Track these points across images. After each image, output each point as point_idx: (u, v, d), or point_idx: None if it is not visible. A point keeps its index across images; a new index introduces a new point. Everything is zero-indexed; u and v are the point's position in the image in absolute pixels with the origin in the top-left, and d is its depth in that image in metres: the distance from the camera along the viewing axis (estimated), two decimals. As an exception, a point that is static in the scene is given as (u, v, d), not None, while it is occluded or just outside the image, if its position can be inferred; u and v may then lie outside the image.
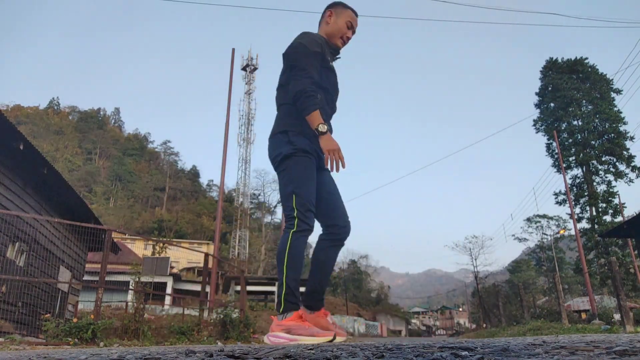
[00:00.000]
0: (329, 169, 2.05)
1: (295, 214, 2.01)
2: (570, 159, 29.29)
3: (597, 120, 29.11)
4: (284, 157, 2.08)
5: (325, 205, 2.19)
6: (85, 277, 12.09)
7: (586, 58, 31.33)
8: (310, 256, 2.24)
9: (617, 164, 28.19)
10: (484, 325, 26.78)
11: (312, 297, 2.18)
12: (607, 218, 26.98)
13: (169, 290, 23.76)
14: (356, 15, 2.36)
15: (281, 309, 1.99)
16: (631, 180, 27.70)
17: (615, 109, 28.89)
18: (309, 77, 2.05)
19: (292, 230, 2.01)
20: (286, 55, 2.19)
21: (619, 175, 27.80)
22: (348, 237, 2.23)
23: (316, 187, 2.14)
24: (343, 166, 2.02)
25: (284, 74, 2.22)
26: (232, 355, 1.22)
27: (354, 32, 2.35)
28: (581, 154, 28.76)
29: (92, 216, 10.45)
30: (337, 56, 2.34)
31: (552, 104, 31.08)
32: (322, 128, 2.00)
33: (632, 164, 27.73)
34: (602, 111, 28.68)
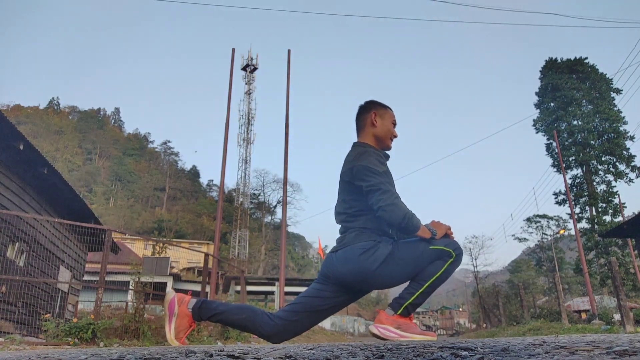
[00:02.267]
0: None
1: (448, 250, 2.03)
2: (570, 158, 29.30)
3: (597, 120, 29.11)
4: (386, 256, 2.02)
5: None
6: (85, 277, 12.10)
7: (586, 58, 31.36)
8: None
9: (617, 163, 28.20)
10: (484, 325, 26.79)
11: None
12: (607, 218, 26.98)
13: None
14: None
15: (399, 311, 2.01)
16: (631, 180, 27.73)
17: (615, 108, 28.90)
18: (398, 198, 2.03)
19: (450, 260, 2.03)
20: (352, 180, 2.12)
21: (618, 175, 27.81)
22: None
23: None
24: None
25: (353, 194, 2.13)
26: (232, 355, 1.22)
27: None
28: (581, 154, 28.77)
29: (92, 216, 10.45)
30: (388, 158, 2.32)
31: (552, 104, 31.09)
32: (435, 231, 2.06)
33: (632, 164, 27.74)
34: (602, 111, 28.69)
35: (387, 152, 2.31)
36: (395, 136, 2.32)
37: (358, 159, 2.11)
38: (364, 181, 2.04)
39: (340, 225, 2.21)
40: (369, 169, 2.04)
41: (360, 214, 2.11)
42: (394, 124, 2.31)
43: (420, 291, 2.00)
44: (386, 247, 2.02)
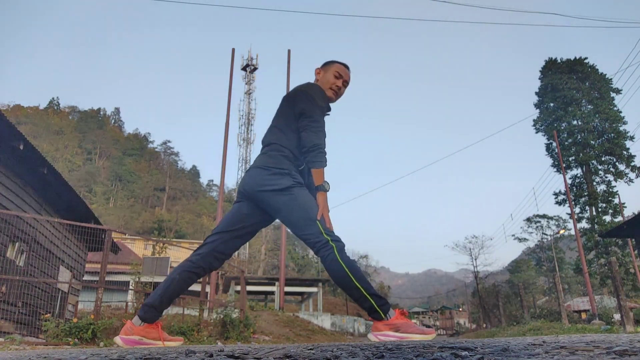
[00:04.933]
0: None
1: (327, 238, 2.07)
2: (570, 158, 29.30)
3: (596, 120, 29.12)
4: (288, 187, 2.13)
5: (232, 241, 2.26)
6: (85, 277, 12.10)
7: (586, 58, 31.36)
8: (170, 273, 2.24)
9: (617, 163, 28.20)
10: (484, 325, 26.79)
11: (150, 310, 2.14)
12: (607, 218, 26.99)
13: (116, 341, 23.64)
14: (346, 67, 2.46)
15: (382, 315, 2.04)
16: (631, 180, 27.73)
17: (615, 108, 28.90)
18: (323, 133, 2.18)
19: (336, 252, 2.05)
20: (294, 102, 2.25)
21: (618, 175, 27.82)
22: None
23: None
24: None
25: (285, 118, 2.27)
26: (232, 355, 1.22)
27: (345, 83, 2.44)
28: (581, 154, 28.77)
29: (92, 216, 10.45)
30: (328, 112, 2.40)
31: (551, 104, 31.09)
32: (327, 187, 2.14)
33: (632, 164, 27.74)
34: (601, 111, 28.69)
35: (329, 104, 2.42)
36: (337, 86, 2.41)
37: (306, 87, 2.30)
38: (302, 103, 2.20)
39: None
40: (311, 97, 2.21)
41: (281, 134, 2.24)
42: (336, 76, 2.41)
43: (364, 293, 2.03)
44: (290, 180, 2.13)
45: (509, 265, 54.88)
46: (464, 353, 1.09)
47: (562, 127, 30.11)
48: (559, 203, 29.72)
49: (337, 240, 2.08)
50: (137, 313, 2.15)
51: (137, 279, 7.45)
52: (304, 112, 2.18)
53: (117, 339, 2.08)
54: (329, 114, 2.40)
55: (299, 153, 2.21)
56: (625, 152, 27.91)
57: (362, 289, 2.02)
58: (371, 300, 2.02)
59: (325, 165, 2.15)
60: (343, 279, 2.03)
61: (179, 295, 2.31)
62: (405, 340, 1.95)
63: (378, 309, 2.02)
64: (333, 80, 2.39)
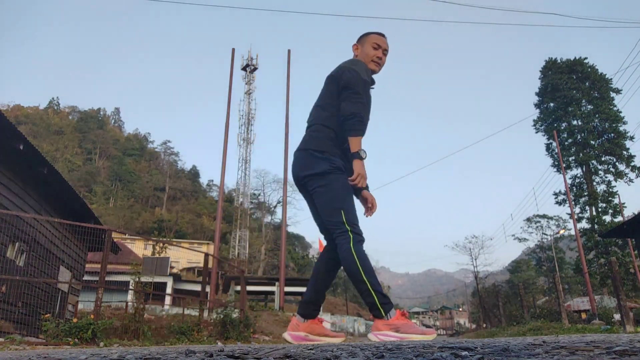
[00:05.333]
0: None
1: (348, 228, 2.10)
2: (570, 158, 29.29)
3: (596, 120, 29.11)
4: (324, 172, 2.15)
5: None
6: (85, 277, 12.09)
7: (585, 58, 31.35)
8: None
9: (617, 163, 28.20)
10: (484, 325, 26.77)
11: (308, 307, 2.23)
12: (607, 218, 26.98)
13: (169, 290, 23.77)
14: (382, 35, 2.46)
15: (382, 313, 2.05)
16: (631, 180, 27.72)
17: (615, 108, 28.89)
18: (362, 103, 2.18)
19: (351, 243, 2.08)
20: (338, 78, 2.26)
21: (618, 175, 27.81)
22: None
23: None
24: (363, 185, 2.19)
25: (330, 96, 2.29)
26: (232, 355, 1.22)
27: (385, 52, 2.44)
28: (581, 154, 28.76)
29: (92, 216, 10.45)
30: (373, 86, 2.41)
31: (551, 104, 31.09)
32: (363, 154, 2.15)
33: (632, 164, 27.74)
34: (601, 111, 28.69)
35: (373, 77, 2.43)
36: (379, 57, 2.41)
37: (352, 63, 2.30)
38: (346, 77, 2.21)
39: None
40: (354, 71, 2.22)
41: (324, 112, 2.27)
42: (375, 47, 2.41)
43: (369, 288, 2.04)
44: (327, 165, 2.15)
45: (509, 265, 54.90)
46: (464, 353, 1.09)
47: (562, 127, 30.11)
48: (559, 203, 29.73)
49: (358, 233, 2.11)
50: (297, 310, 2.21)
51: (137, 279, 7.44)
52: (347, 85, 2.19)
53: (286, 335, 2.13)
54: (373, 88, 2.41)
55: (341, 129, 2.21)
56: (625, 152, 27.90)
57: (368, 283, 2.03)
58: (375, 296, 2.03)
59: (362, 134, 2.16)
60: (353, 270, 2.05)
61: (329, 285, 2.34)
62: (405, 340, 1.95)
63: (380, 307, 2.03)
64: (373, 53, 2.39)
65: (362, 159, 2.14)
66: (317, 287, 2.23)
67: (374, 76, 2.42)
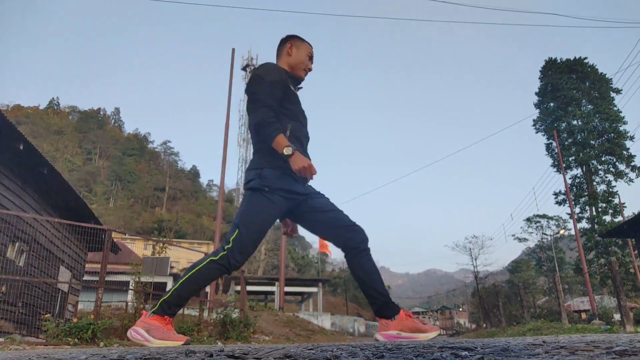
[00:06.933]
0: (307, 185, 2.16)
1: (226, 247, 2.01)
2: (570, 158, 29.30)
3: (596, 120, 29.12)
4: (249, 188, 2.09)
5: (330, 227, 2.19)
6: (85, 277, 12.09)
7: (585, 58, 31.36)
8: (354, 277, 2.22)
9: (617, 163, 28.20)
10: (484, 325, 26.77)
11: (385, 307, 2.12)
12: (607, 218, 26.98)
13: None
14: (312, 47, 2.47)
15: (155, 309, 2.03)
16: (631, 180, 27.72)
17: (615, 108, 28.91)
18: (265, 106, 2.03)
19: (211, 258, 2.01)
20: (246, 91, 2.21)
21: (618, 175, 27.81)
22: (367, 239, 2.19)
23: (312, 215, 2.17)
24: (312, 175, 2.02)
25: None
26: (232, 355, 1.22)
27: (312, 63, 2.44)
28: (581, 154, 28.77)
29: (92, 216, 10.45)
30: (300, 86, 2.39)
31: (551, 104, 31.10)
32: (288, 151, 1.95)
33: (632, 164, 27.75)
34: (601, 111, 28.70)
35: (299, 80, 2.39)
36: (310, 69, 2.40)
37: (256, 69, 2.23)
38: (249, 89, 2.14)
39: None
40: (258, 77, 2.13)
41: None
42: (309, 57, 2.40)
43: (175, 287, 2.04)
44: (257, 183, 2.06)
45: (509, 265, 54.87)
46: (464, 353, 1.09)
47: (562, 127, 30.11)
48: (559, 203, 29.73)
49: (229, 259, 2.00)
50: (377, 315, 2.13)
51: (137, 279, 7.44)
52: (248, 98, 2.14)
53: (378, 336, 2.05)
54: (301, 87, 2.39)
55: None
56: (625, 152, 27.91)
57: (179, 286, 2.03)
58: (169, 294, 2.03)
59: (278, 133, 1.98)
60: (188, 269, 2.04)
61: (377, 278, 2.23)
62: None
63: (160, 302, 2.04)
64: (307, 62, 2.38)
65: (289, 155, 1.95)
66: (374, 287, 2.12)
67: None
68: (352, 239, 2.14)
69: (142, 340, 1.98)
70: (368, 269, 2.12)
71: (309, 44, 2.43)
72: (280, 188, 2.06)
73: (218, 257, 2.01)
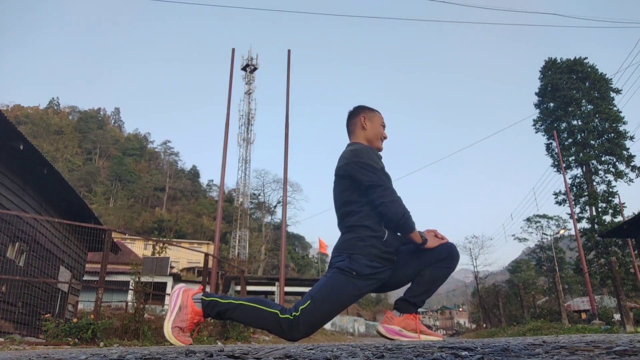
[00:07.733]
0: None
1: (294, 313, 1.93)
2: (570, 158, 29.29)
3: (596, 120, 29.12)
4: (336, 267, 2.03)
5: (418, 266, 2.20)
6: (85, 277, 12.09)
7: (585, 58, 31.34)
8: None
9: (617, 163, 28.19)
10: (484, 325, 26.76)
11: (405, 301, 2.17)
12: (607, 218, 26.97)
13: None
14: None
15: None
16: (631, 180, 27.71)
17: (615, 108, 28.90)
18: (400, 198, 2.06)
19: (279, 312, 1.94)
20: (355, 173, 2.09)
21: (618, 175, 27.80)
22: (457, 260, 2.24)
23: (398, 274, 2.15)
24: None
25: (349, 191, 2.14)
26: (232, 355, 1.22)
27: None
28: (581, 154, 28.76)
29: (92, 216, 10.46)
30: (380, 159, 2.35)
31: (551, 104, 31.09)
32: (422, 239, 2.11)
33: (632, 164, 27.74)
34: (601, 111, 28.69)
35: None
36: (385, 137, 2.38)
37: (356, 156, 2.13)
38: (365, 176, 2.05)
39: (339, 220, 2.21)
40: (368, 165, 2.06)
41: (358, 210, 2.11)
42: (383, 126, 2.38)
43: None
44: (345, 266, 2.01)
45: (509, 265, 54.91)
46: (464, 353, 1.09)
47: (562, 127, 30.11)
48: (559, 203, 29.73)
49: (295, 328, 1.92)
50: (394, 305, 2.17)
51: (137, 279, 7.44)
52: (371, 186, 2.04)
53: (380, 328, 2.07)
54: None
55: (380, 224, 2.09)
56: (625, 152, 27.90)
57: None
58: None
59: (415, 227, 2.07)
60: (255, 306, 1.97)
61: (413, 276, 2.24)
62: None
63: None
64: (382, 132, 2.35)
65: (425, 242, 2.10)
66: (423, 283, 2.14)
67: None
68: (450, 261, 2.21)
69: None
70: (437, 275, 2.15)
71: (378, 112, 2.42)
72: (367, 275, 2.02)
73: (283, 316, 1.93)
